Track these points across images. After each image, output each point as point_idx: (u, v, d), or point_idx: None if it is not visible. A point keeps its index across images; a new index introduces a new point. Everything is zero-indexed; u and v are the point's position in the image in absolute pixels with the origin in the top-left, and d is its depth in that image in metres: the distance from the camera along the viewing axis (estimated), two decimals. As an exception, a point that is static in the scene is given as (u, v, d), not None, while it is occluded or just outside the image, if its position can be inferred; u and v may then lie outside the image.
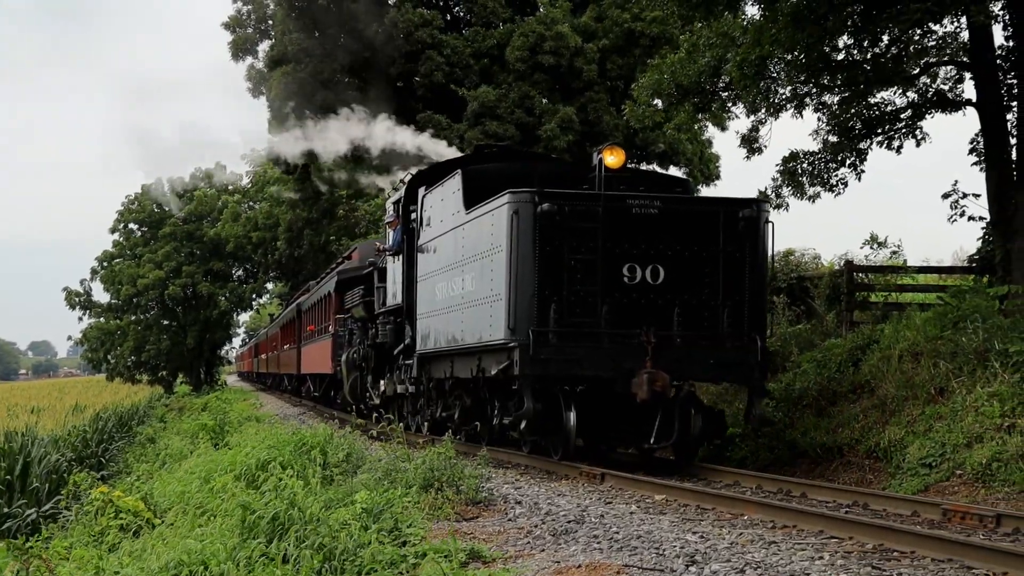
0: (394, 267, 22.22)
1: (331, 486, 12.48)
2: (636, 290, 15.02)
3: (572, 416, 15.14)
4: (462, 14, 44.03)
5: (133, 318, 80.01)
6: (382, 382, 24.57)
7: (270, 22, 44.00)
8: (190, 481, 14.53)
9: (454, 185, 17.62)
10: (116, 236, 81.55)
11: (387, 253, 22.94)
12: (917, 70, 19.84)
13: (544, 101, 39.01)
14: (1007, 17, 18.83)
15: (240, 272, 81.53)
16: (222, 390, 63.79)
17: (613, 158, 15.47)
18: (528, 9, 42.89)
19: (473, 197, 16.76)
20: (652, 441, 15.55)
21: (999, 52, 19.04)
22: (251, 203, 77.35)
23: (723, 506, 11.72)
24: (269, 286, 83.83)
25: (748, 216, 15.33)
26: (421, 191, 19.77)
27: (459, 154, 26.09)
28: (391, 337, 22.88)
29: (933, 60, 19.81)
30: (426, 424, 21.03)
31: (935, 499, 12.26)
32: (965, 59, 19.34)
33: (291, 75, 39.88)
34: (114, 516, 12.97)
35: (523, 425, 15.12)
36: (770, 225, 15.64)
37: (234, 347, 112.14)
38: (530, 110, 38.27)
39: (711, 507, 11.80)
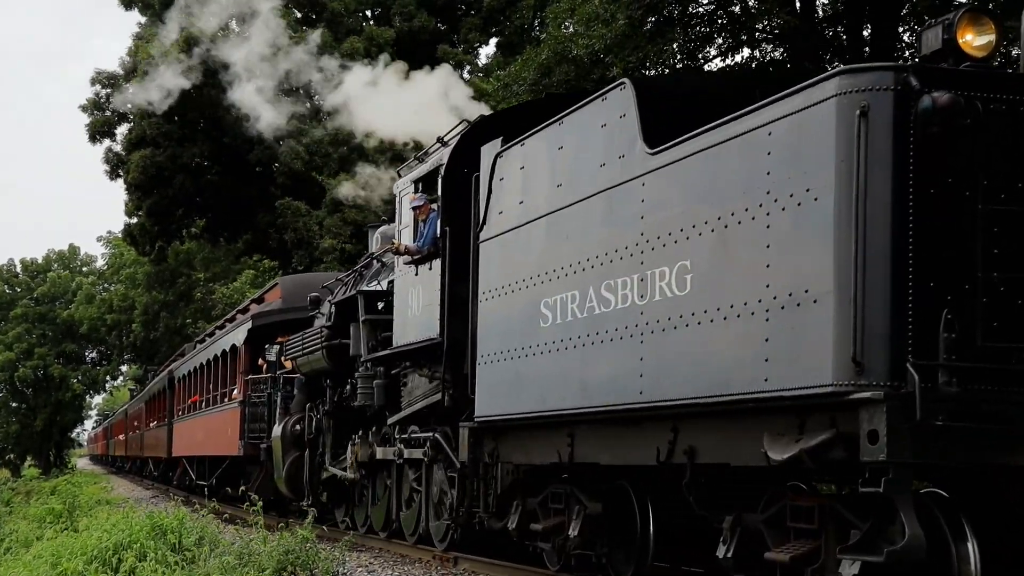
0: (417, 281, 12.85)
1: (186, 568, 11.70)
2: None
3: (972, 553, 6.73)
4: (321, 103, 44.18)
5: (-20, 400, 77.45)
6: (350, 449, 15.81)
7: (129, 106, 43.78)
8: (37, 567, 13.94)
9: (611, 111, 8.94)
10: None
11: (400, 259, 13.43)
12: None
13: (403, 190, 38.98)
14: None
15: (94, 354, 77.52)
16: (73, 473, 62.12)
17: (980, 38, 6.92)
18: (387, 99, 43.00)
19: (656, 127, 8.50)
20: None
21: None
22: (106, 285, 73.74)
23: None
24: (124, 368, 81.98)
25: None
26: (489, 151, 11.03)
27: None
28: (380, 397, 14.15)
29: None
30: (454, 530, 12.74)
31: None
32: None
33: (149, 158, 37.75)
34: (-46, 606, 12.33)
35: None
36: None
37: (86, 430, 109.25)
38: (389, 200, 38.19)
39: (563, 591, 9.98)
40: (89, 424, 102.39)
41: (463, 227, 11.77)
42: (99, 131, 42.43)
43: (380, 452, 14.65)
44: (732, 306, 7.41)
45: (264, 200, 39.45)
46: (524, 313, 10.11)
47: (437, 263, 12.30)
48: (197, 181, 39.68)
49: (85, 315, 66.59)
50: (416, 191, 13.33)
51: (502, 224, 10.68)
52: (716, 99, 8.60)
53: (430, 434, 12.75)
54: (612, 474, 9.53)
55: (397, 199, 14.10)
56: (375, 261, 15.95)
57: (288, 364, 19.16)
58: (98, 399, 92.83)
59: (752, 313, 7.22)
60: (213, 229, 43.17)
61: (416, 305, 12.96)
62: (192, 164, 39.43)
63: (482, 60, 44.57)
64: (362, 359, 14.73)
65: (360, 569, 13.07)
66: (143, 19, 42.06)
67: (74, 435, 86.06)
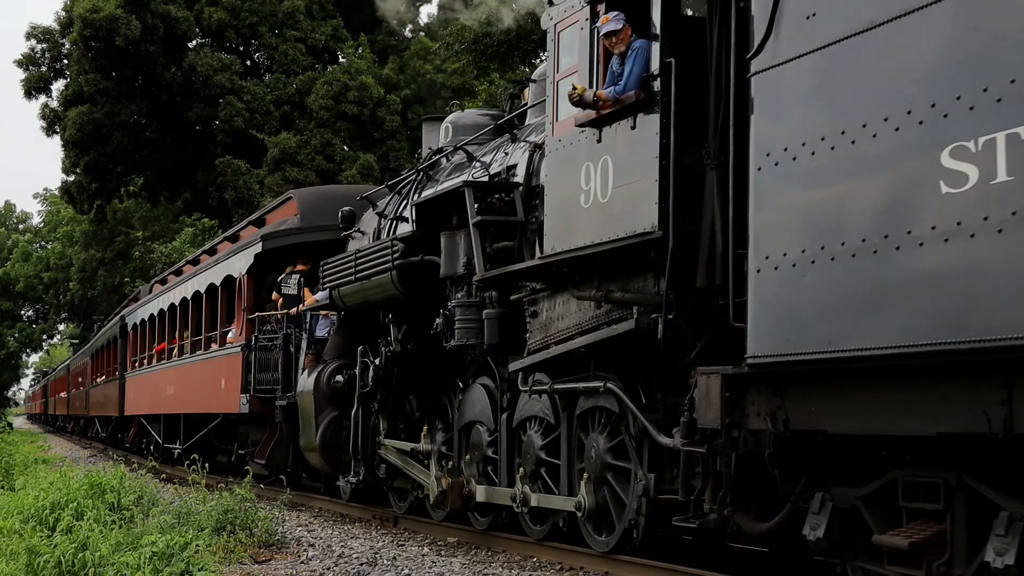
0: (601, 151, 8.48)
1: (124, 527, 11.28)
2: None
3: None
4: (262, 60, 43.77)
5: (-86, 359, 76.25)
6: (434, 475, 11.40)
7: (65, 61, 40.68)
8: (-29, 526, 13.81)
9: None
10: None
11: (560, 123, 9.13)
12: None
13: (345, 148, 37.30)
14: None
15: (30, 312, 77.01)
16: (9, 432, 61.42)
17: None
18: (328, 57, 42.93)
19: None
20: None
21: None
22: (43, 243, 73.02)
23: (513, 549, 10.52)
24: (61, 327, 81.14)
25: None
26: None
27: None
28: (493, 333, 10.24)
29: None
30: (637, 530, 8.74)
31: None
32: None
33: (87, 115, 37.31)
34: None
35: None
36: None
37: (23, 388, 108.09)
38: (331, 157, 36.16)
39: (502, 550, 10.62)
40: (26, 383, 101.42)
41: (696, 58, 7.74)
42: (35, 86, 41.67)
43: (483, 492, 10.71)
44: None
45: (204, 158, 39.09)
46: (888, 178, 5.90)
47: (650, 118, 7.94)
48: (135, 138, 39.20)
49: (21, 273, 65.82)
50: (595, 16, 8.56)
51: (815, 34, 6.42)
52: None
53: (600, 384, 8.83)
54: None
55: (551, 35, 9.40)
56: (444, 158, 12.63)
57: (310, 298, 15.49)
58: (35, 357, 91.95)
59: None
60: (152, 187, 42.67)
61: (597, 187, 8.56)
62: (130, 121, 38.88)
63: (423, 19, 44.33)
64: (480, 276, 10.21)
65: (300, 528, 13.04)
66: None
67: (10, 394, 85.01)
